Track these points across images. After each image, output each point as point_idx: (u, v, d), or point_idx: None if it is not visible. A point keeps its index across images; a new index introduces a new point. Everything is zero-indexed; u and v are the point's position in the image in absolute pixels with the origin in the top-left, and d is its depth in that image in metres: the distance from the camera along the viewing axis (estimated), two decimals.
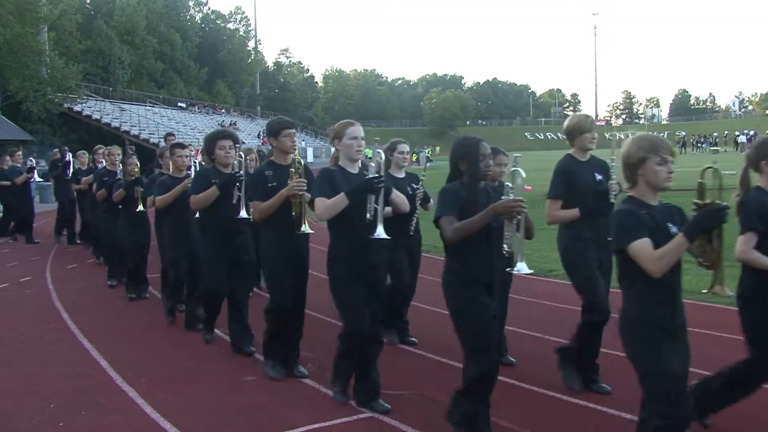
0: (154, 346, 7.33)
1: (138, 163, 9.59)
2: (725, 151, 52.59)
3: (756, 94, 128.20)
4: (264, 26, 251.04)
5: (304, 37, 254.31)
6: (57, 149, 17.69)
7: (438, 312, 7.07)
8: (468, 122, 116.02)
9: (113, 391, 5.90)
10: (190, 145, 8.92)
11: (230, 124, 64.73)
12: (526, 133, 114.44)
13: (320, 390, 5.75)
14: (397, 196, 5.36)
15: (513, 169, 4.33)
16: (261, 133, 62.10)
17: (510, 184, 4.23)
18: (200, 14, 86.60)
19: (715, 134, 76.21)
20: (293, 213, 5.74)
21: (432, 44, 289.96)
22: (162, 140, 45.50)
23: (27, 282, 11.30)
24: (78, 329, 8.03)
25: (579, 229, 5.40)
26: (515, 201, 4.10)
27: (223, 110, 75.71)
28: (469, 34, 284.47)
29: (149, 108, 60.95)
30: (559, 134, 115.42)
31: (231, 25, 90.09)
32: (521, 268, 4.24)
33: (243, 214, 6.59)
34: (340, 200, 4.92)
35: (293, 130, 6.04)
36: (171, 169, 8.26)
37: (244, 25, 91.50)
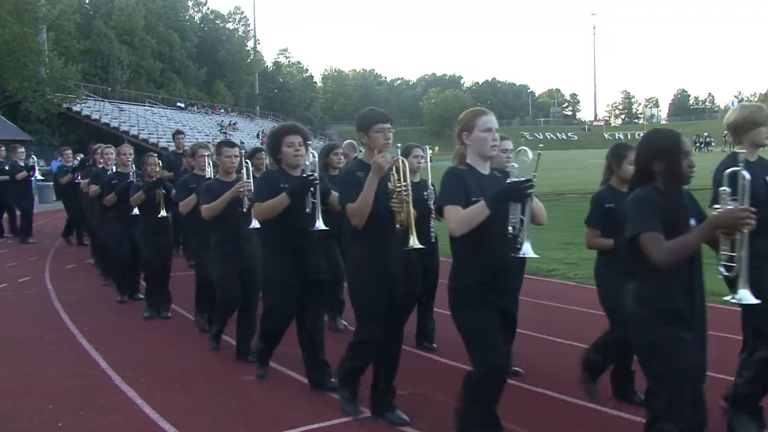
0: (153, 347, 7.32)
1: (159, 162, 8.79)
2: (723, 151, 52.53)
3: (755, 93, 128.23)
4: (263, 26, 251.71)
5: (302, 37, 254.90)
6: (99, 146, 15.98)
7: (441, 313, 7.07)
8: None
9: (112, 392, 5.89)
10: (242, 143, 8.56)
11: (229, 124, 64.83)
12: (525, 133, 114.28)
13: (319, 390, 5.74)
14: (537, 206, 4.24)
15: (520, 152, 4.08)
16: (260, 134, 62.17)
17: (514, 166, 4.02)
18: (199, 14, 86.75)
19: (705, 133, 75.68)
20: (398, 224, 4.69)
21: (431, 44, 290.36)
22: (160, 140, 45.65)
23: (26, 282, 11.28)
24: (77, 329, 8.03)
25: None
26: (743, 210, 3.37)
27: (222, 110, 75.73)
28: (468, 34, 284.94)
29: (148, 108, 60.95)
30: (558, 134, 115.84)
31: (230, 25, 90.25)
32: (527, 251, 3.96)
33: (320, 225, 5.40)
34: (482, 209, 3.85)
35: (388, 125, 4.90)
36: (202, 170, 7.89)
37: (243, 25, 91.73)
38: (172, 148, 13.69)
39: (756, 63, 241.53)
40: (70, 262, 13.14)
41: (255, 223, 5.78)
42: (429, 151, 6.75)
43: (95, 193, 10.19)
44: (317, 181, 5.28)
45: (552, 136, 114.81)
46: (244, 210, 6.28)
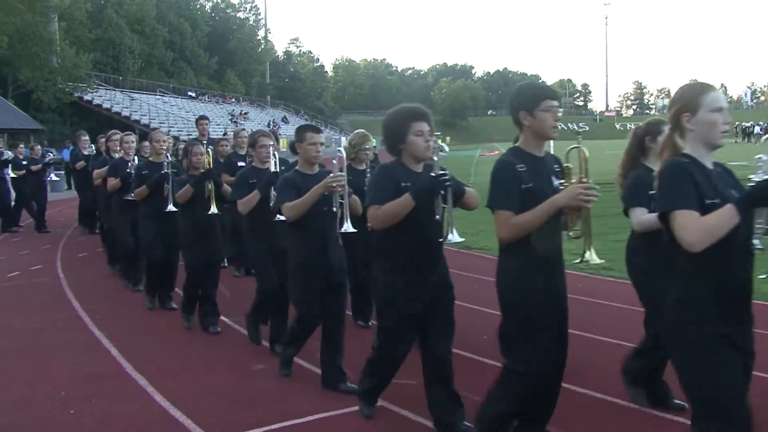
0: (164, 335, 7.35)
1: (209, 151, 7.64)
2: (735, 142, 52.21)
3: None
4: (274, 15, 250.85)
5: (313, 26, 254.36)
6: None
7: (468, 308, 7.07)
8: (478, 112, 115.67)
9: (123, 380, 5.93)
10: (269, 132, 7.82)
11: (240, 114, 64.84)
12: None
13: None
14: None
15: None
16: (271, 123, 62.22)
17: (570, 165, 3.86)
18: (210, 3, 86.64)
19: None
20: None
21: (442, 34, 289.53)
22: (171, 129, 45.69)
23: (38, 270, 11.35)
24: (89, 318, 8.07)
25: None
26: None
27: (233, 99, 75.76)
28: (480, 23, 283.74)
29: (159, 97, 61.04)
30: (569, 124, 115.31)
31: (241, 15, 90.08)
32: (453, 237, 4.20)
33: (348, 227, 5.11)
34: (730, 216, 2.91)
35: (423, 123, 4.38)
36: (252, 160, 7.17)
37: (253, 14, 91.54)
38: (193, 135, 12.72)
39: None
40: (82, 251, 13.20)
41: (348, 227, 5.12)
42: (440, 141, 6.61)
43: (114, 187, 9.09)
44: (449, 182, 4.14)
45: (563, 126, 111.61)
46: (334, 209, 5.26)
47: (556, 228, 3.78)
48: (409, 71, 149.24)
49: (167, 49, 69.55)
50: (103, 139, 11.34)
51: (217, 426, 4.84)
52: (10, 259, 12.55)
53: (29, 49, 40.93)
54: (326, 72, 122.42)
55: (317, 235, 5.36)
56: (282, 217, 5.51)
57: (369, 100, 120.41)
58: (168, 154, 8.86)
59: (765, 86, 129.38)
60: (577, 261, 3.82)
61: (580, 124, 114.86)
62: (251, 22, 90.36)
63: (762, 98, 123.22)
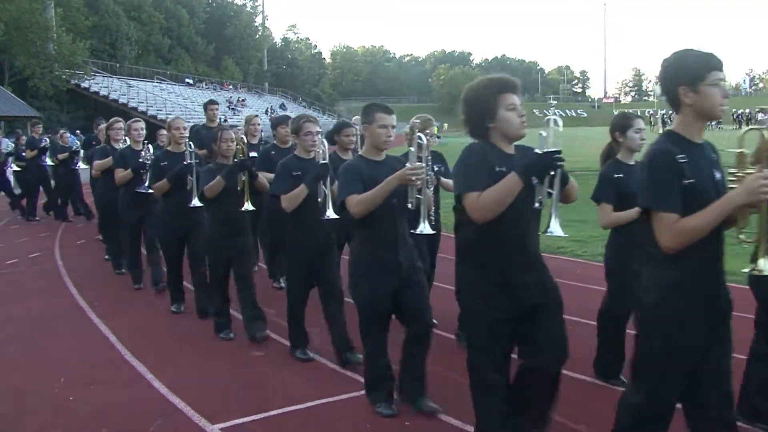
0: (163, 322, 7.36)
1: (243, 138, 7.30)
2: (735, 129, 52.14)
3: (767, 71, 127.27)
4: (271, 2, 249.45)
5: (311, 13, 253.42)
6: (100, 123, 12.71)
7: (447, 288, 7.07)
8: None
9: (122, 366, 5.95)
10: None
11: (238, 101, 64.66)
12: (534, 110, 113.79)
13: (327, 365, 5.78)
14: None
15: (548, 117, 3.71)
16: (269, 110, 62.07)
17: (543, 133, 3.63)
18: None
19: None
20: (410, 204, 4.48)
21: (440, 21, 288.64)
22: (169, 116, 45.60)
23: (36, 257, 11.35)
24: (87, 304, 8.08)
25: None
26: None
27: (231, 86, 75.53)
28: (478, 10, 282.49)
29: (156, 84, 60.81)
30: (567, 111, 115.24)
31: (238, 1, 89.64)
32: (554, 229, 3.66)
33: (424, 228, 4.55)
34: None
35: (515, 96, 3.78)
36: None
37: (251, 0, 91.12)
38: (202, 121, 11.43)
39: None
40: (80, 238, 13.19)
41: (425, 227, 4.53)
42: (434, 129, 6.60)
43: (125, 179, 8.34)
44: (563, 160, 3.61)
45: (561, 113, 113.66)
46: (409, 205, 4.49)
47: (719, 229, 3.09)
48: (407, 58, 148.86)
49: (164, 36, 69.27)
50: (102, 126, 11.15)
51: (216, 412, 4.85)
52: (9, 247, 12.54)
53: (25, 36, 40.74)
54: (324, 59, 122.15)
55: (386, 232, 4.65)
56: (332, 215, 5.29)
57: (367, 87, 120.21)
58: (149, 144, 8.54)
59: (764, 73, 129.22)
60: (747, 270, 3.15)
61: (578, 111, 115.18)
62: (248, 9, 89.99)
63: (761, 85, 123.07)
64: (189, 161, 7.20)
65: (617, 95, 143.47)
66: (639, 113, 5.47)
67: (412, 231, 4.63)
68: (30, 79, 41.45)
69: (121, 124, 9.52)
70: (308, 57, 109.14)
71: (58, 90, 44.09)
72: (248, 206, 6.41)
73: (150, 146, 8.53)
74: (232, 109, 58.81)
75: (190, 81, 68.44)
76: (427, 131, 6.00)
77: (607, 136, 5.28)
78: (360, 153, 4.93)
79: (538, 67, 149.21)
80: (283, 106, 72.44)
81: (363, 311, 4.72)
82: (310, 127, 5.81)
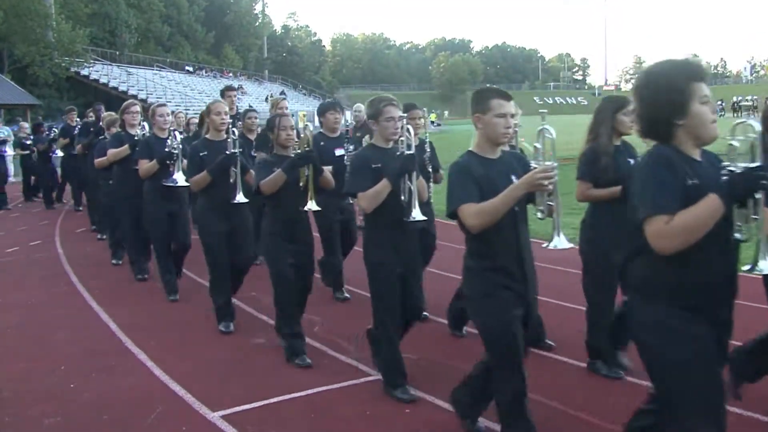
0: (163, 310, 7.36)
1: (309, 125, 6.31)
2: (736, 116, 52.01)
3: None
4: None
5: (311, 0, 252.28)
6: (90, 109, 13.03)
7: (450, 278, 7.08)
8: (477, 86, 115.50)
9: (123, 354, 5.95)
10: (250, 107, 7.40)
11: (238, 88, 64.46)
12: (535, 98, 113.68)
13: (328, 353, 5.78)
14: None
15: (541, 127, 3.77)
16: (269, 97, 61.89)
17: (538, 145, 3.77)
18: None
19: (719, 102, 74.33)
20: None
21: (440, 8, 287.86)
22: (169, 104, 45.50)
23: (36, 246, 11.35)
24: (87, 293, 8.08)
25: None
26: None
27: (231, 74, 75.35)
28: None
29: (156, 72, 60.69)
30: (567, 99, 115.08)
31: None
32: (558, 243, 3.81)
33: (560, 242, 4.00)
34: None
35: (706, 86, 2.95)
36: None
37: None
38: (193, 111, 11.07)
39: None
40: (80, 226, 13.18)
41: (560, 241, 3.92)
42: (431, 116, 6.68)
43: (149, 171, 7.54)
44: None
45: (562, 100, 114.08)
46: (540, 216, 3.80)
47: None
48: (408, 45, 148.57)
49: (164, 23, 69.16)
50: (104, 114, 11.15)
51: (216, 400, 4.86)
52: (9, 235, 12.54)
53: (25, 24, 40.67)
54: (324, 46, 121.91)
55: (509, 244, 3.79)
56: (418, 216, 4.64)
57: (367, 75, 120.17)
58: (176, 131, 7.67)
59: (765, 61, 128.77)
60: (746, 269, 2.99)
61: (579, 98, 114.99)
62: None
63: (762, 72, 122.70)
64: (233, 150, 6.26)
65: (618, 83, 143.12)
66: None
67: (405, 218, 4.63)
68: (29, 66, 41.41)
69: (138, 108, 8.74)
70: (308, 44, 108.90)
71: (58, 78, 44.07)
72: (312, 205, 5.52)
73: (177, 133, 7.65)
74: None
75: (190, 69, 68.31)
76: (416, 119, 6.28)
77: None
78: (470, 148, 3.92)
79: (539, 55, 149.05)
80: (283, 94, 72.27)
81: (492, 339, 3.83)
82: (392, 111, 4.78)
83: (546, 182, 3.52)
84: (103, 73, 51.98)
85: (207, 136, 6.62)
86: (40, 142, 15.74)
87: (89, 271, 9.30)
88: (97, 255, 10.47)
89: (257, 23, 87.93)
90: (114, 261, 9.71)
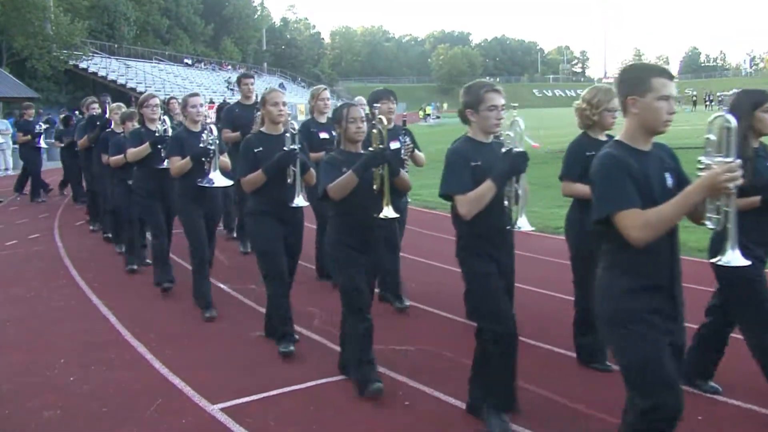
0: (162, 303, 7.37)
1: (364, 116, 5.02)
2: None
3: (767, 52, 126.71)
4: None
5: None
6: (94, 100, 12.19)
7: (445, 269, 7.10)
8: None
9: (122, 347, 5.96)
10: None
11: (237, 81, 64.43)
12: (534, 90, 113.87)
13: (327, 346, 5.79)
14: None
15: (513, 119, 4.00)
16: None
17: (510, 134, 4.04)
18: None
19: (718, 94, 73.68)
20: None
21: (440, 1, 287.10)
22: (167, 96, 45.44)
23: (36, 239, 11.34)
24: (87, 286, 8.08)
25: None
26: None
27: (230, 67, 75.24)
28: None
29: (155, 65, 60.60)
30: (567, 91, 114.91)
31: None
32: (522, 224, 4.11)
33: (389, 212, 4.68)
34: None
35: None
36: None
37: None
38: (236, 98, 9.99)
39: None
40: (80, 219, 13.16)
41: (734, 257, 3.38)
42: (426, 109, 6.71)
43: (182, 170, 6.62)
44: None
45: (561, 93, 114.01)
46: (714, 226, 3.26)
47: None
48: (407, 38, 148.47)
49: (163, 16, 68.96)
50: (94, 104, 11.33)
51: (216, 393, 4.87)
52: (8, 228, 12.53)
53: (23, 17, 40.52)
54: (323, 39, 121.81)
55: (663, 257, 3.19)
56: (525, 226, 4.16)
57: (366, 67, 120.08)
58: (211, 125, 6.77)
59: (764, 53, 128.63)
60: (713, 260, 3.28)
61: (578, 91, 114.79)
62: None
63: (761, 65, 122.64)
64: (292, 146, 5.46)
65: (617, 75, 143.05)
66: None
67: (376, 215, 4.74)
68: (28, 59, 41.28)
69: (157, 101, 7.92)
70: (307, 37, 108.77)
71: (57, 71, 43.93)
72: (389, 212, 4.74)
73: (212, 127, 6.73)
74: (231, 89, 58.62)
75: (189, 61, 68.20)
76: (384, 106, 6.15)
77: None
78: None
79: (538, 47, 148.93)
80: (282, 86, 72.13)
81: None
82: (495, 99, 4.10)
83: (731, 185, 2.90)
84: (101, 66, 51.89)
85: (262, 129, 5.77)
86: (68, 135, 14.29)
87: (88, 264, 9.30)
88: (96, 248, 10.47)
89: (256, 16, 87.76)
90: (131, 267, 8.69)
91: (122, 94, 41.65)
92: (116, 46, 58.63)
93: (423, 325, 6.34)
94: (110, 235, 10.54)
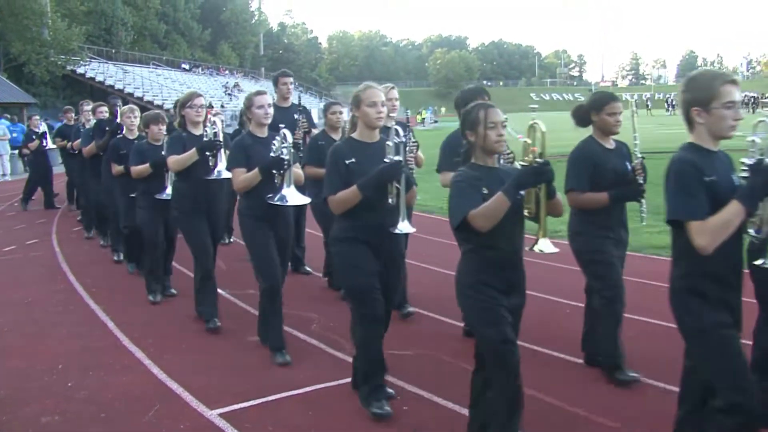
0: (160, 308, 7.35)
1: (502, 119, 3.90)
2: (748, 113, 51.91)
3: (764, 55, 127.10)
4: None
5: None
6: (100, 104, 11.09)
7: (444, 273, 7.09)
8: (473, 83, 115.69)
9: (120, 352, 5.95)
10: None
11: (234, 86, 64.50)
12: (531, 94, 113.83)
13: (325, 350, 5.78)
14: None
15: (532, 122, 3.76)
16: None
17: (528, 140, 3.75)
18: None
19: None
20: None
21: (437, 5, 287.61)
22: (165, 102, 45.45)
23: (33, 244, 11.33)
24: (84, 291, 8.07)
25: None
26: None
27: (227, 71, 75.30)
28: None
29: (153, 70, 60.67)
30: (564, 95, 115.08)
31: None
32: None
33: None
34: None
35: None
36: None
37: None
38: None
39: (765, 24, 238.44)
40: (77, 225, 13.15)
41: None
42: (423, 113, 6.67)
43: (248, 185, 5.52)
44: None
45: (558, 97, 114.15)
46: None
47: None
48: (404, 42, 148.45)
49: (160, 21, 69.11)
50: (88, 108, 11.11)
51: (214, 398, 4.86)
52: (6, 233, 12.52)
53: (20, 22, 40.60)
54: (320, 44, 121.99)
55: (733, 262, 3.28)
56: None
57: (364, 72, 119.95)
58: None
59: (761, 56, 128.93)
60: (759, 262, 3.43)
61: (575, 95, 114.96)
62: None
63: (758, 68, 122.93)
64: (397, 158, 4.41)
65: (614, 79, 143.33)
66: (636, 97, 5.37)
67: (391, 229, 4.42)
68: (26, 65, 41.32)
69: (203, 101, 6.74)
70: (304, 42, 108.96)
71: (54, 76, 44.00)
72: (547, 246, 3.89)
73: (286, 132, 5.50)
74: (228, 94, 58.71)
75: (186, 66, 68.31)
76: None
77: None
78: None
79: (535, 51, 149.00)
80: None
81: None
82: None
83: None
84: (99, 71, 51.91)
85: (353, 135, 4.69)
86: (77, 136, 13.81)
87: (86, 269, 9.29)
88: (93, 253, 10.46)
89: (253, 20, 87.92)
90: (153, 298, 7.59)
91: (120, 99, 41.56)
92: (114, 51, 58.71)
93: (422, 330, 6.33)
94: (122, 257, 9.57)
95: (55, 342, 6.29)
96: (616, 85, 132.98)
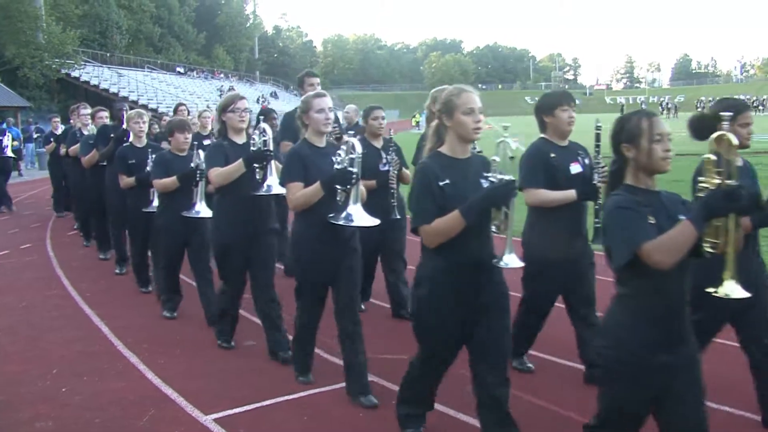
0: (155, 313, 7.34)
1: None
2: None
3: (758, 58, 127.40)
4: None
5: (302, 1, 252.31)
6: (100, 108, 10.65)
7: None
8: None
9: (115, 357, 5.94)
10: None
11: (229, 89, 64.46)
12: (526, 98, 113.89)
13: (320, 356, 5.78)
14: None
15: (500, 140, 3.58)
16: (260, 98, 61.87)
17: (497, 159, 3.62)
18: None
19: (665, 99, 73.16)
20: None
21: (432, 8, 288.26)
22: (160, 105, 45.39)
23: (28, 249, 11.31)
24: (79, 296, 8.07)
25: None
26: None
27: (222, 75, 75.29)
28: None
29: (147, 73, 60.58)
30: None
31: None
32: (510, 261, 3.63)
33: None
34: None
35: None
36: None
37: None
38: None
39: (759, 28, 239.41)
40: (71, 229, 13.14)
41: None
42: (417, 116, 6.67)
43: (308, 202, 4.72)
44: None
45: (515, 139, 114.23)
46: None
47: None
48: (399, 46, 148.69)
49: (155, 24, 69.08)
50: (85, 112, 10.88)
51: (209, 403, 4.86)
52: (0, 238, 12.48)
53: (14, 26, 40.48)
54: (315, 47, 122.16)
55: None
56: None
57: (358, 75, 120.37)
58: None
59: (755, 60, 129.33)
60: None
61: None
62: None
63: (752, 72, 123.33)
64: (509, 178, 3.63)
65: (609, 82, 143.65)
66: (630, 100, 5.39)
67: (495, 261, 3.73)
68: (20, 68, 41.22)
69: (246, 103, 6.06)
70: (299, 45, 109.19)
71: (48, 79, 43.89)
72: (736, 290, 3.16)
73: (355, 143, 4.69)
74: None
75: (181, 70, 68.26)
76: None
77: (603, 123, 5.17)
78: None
79: (530, 55, 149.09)
80: (274, 95, 72.29)
81: None
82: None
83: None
84: (93, 74, 51.78)
85: (442, 150, 3.89)
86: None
87: (81, 274, 9.28)
88: (88, 258, 10.45)
89: (248, 24, 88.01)
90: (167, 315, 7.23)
91: (114, 103, 41.53)
92: (108, 54, 58.60)
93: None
94: (123, 269, 9.24)
95: (49, 347, 6.28)
96: (611, 88, 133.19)
